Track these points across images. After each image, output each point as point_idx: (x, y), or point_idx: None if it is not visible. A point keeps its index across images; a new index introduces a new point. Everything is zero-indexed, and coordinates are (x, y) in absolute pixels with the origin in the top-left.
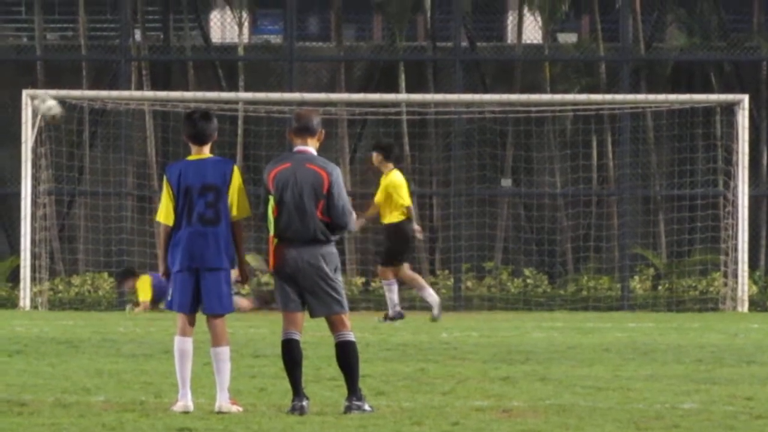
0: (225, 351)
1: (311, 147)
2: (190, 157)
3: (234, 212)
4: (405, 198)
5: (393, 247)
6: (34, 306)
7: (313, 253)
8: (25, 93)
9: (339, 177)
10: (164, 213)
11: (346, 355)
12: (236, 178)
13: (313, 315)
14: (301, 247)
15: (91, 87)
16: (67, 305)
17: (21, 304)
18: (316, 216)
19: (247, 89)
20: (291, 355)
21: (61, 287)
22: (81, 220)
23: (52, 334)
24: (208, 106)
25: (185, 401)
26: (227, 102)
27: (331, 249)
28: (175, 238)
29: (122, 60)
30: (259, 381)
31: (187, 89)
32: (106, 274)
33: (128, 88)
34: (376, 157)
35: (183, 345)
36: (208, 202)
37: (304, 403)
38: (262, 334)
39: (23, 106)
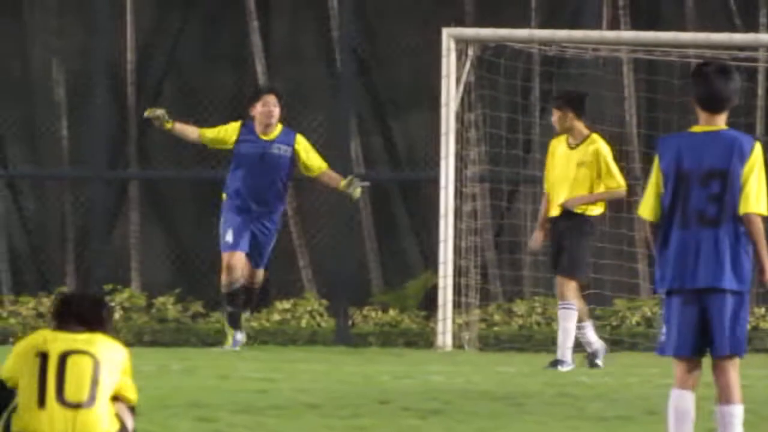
0: (736, 410)
1: None
2: (694, 129)
3: (749, 206)
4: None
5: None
6: (459, 345)
7: None
8: (446, 33)
9: None
10: (646, 205)
11: None
12: (755, 158)
13: None
14: None
15: (542, 26)
16: (507, 344)
17: (439, 341)
18: None
19: None
20: None
21: (497, 318)
22: (527, 220)
23: (485, 387)
24: (715, 53)
25: None
26: (741, 48)
27: None
28: (664, 242)
29: None
30: None
31: (683, 29)
32: None
33: (598, 28)
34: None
35: (681, 402)
36: (711, 195)
37: None
38: None
39: (444, 51)
